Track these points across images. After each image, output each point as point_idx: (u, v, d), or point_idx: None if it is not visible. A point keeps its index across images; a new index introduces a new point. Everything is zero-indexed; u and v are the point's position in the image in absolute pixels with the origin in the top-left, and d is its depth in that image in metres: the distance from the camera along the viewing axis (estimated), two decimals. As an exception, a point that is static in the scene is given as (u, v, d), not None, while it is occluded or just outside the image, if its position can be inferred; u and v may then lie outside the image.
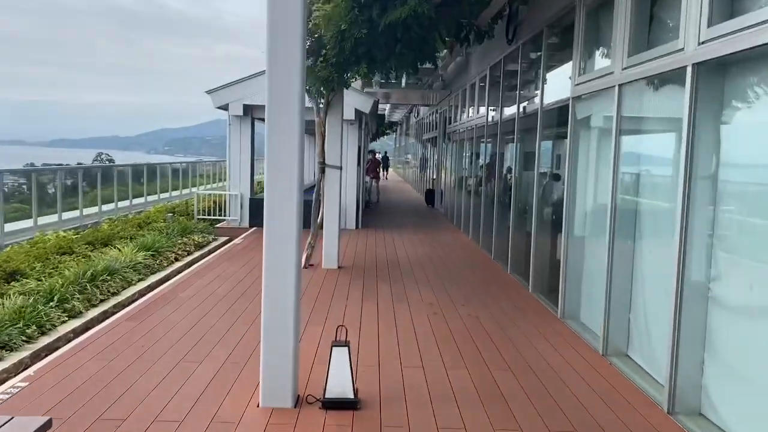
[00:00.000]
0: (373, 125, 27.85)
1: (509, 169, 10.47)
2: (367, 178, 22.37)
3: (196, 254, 11.33)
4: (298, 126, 4.25)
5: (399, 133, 49.45)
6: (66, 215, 13.14)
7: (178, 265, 10.27)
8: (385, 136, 56.33)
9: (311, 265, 9.42)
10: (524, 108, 9.26)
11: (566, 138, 6.97)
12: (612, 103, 5.60)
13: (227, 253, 10.64)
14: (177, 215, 14.06)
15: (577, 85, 6.54)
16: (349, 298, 7.58)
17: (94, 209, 14.38)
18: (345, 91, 12.71)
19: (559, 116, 7.51)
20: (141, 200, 17.49)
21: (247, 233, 13.20)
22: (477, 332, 6.30)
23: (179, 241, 11.38)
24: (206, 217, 14.42)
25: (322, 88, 8.87)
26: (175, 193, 20.22)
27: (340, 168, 9.36)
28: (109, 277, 8.18)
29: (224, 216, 14.29)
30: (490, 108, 11.76)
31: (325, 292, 7.86)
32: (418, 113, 29.00)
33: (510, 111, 10.43)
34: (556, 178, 7.96)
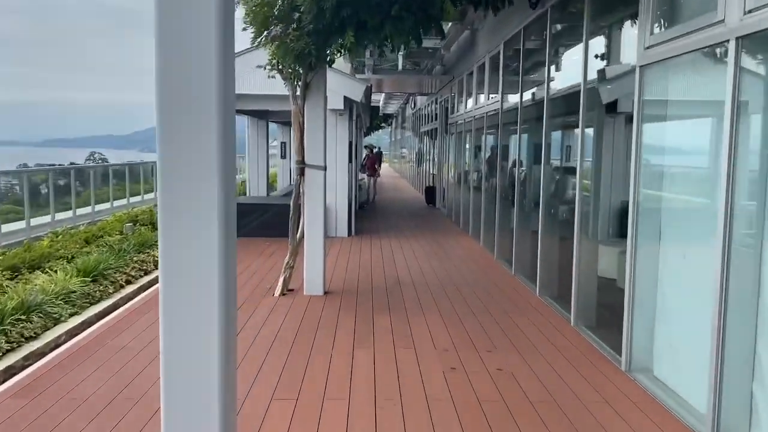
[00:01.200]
0: (367, 117, 25.92)
1: (534, 164, 8.59)
2: (364, 176, 20.45)
3: (155, 274, 9.42)
4: (217, 115, 2.37)
5: (394, 126, 47.51)
6: (60, 215, 12.90)
7: (128, 290, 8.37)
8: (380, 130, 54.46)
9: (290, 290, 7.53)
10: (550, 89, 7.37)
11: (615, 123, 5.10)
12: (721, 67, 3.72)
13: (191, 273, 8.74)
14: (139, 225, 12.13)
15: (650, 47, 4.64)
16: (335, 343, 5.68)
17: (88, 209, 14.30)
18: (329, 72, 10.75)
19: (614, 93, 5.63)
20: (121, 202, 16.07)
21: None
22: (516, 401, 4.42)
23: (135, 259, 9.47)
24: None
25: (296, 66, 6.96)
26: (149, 197, 18.25)
27: (324, 168, 7.45)
28: (24, 317, 6.28)
29: None
30: (504, 92, 9.86)
31: (304, 334, 5.96)
32: (414, 104, 27.08)
33: (533, 94, 8.53)
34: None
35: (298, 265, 7.59)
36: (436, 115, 19.72)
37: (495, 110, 10.36)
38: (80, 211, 13.92)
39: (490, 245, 10.61)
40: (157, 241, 8.88)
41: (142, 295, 7.79)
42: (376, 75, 16.30)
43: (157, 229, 9.55)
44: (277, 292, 7.35)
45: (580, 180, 7.00)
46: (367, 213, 16.83)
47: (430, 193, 19.30)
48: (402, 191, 25.81)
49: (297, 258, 7.56)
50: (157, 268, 9.74)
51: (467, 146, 13.81)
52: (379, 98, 31.72)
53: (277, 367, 5.02)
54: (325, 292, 7.50)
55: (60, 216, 12.72)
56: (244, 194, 18.64)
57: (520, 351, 5.49)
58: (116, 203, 16.32)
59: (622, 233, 6.59)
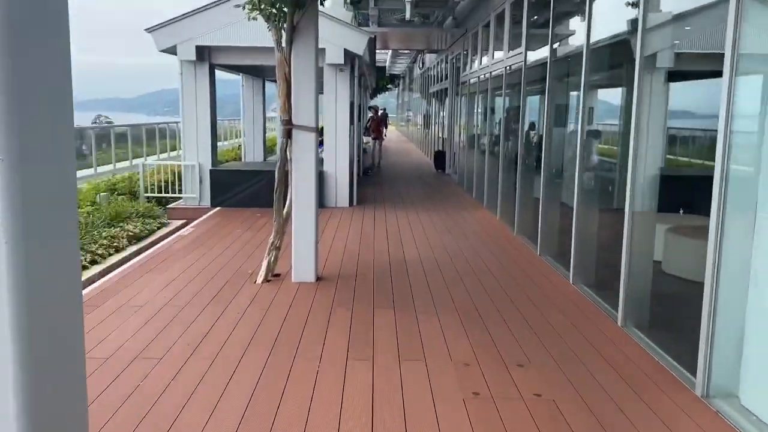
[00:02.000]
0: (372, 78, 24.45)
1: (564, 127, 7.30)
2: (368, 139, 19.11)
3: (127, 252, 8.24)
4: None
5: (401, 87, 45.82)
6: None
7: (90, 272, 7.19)
8: (386, 92, 52.71)
9: (276, 275, 6.34)
10: (590, 38, 6.02)
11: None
12: None
13: (166, 251, 7.55)
14: (115, 194, 10.93)
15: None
16: (324, 351, 4.50)
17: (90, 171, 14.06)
18: (328, 22, 9.40)
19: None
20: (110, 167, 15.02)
21: (206, 216, 10.10)
22: (564, 450, 3.24)
23: (106, 234, 8.29)
24: (157, 195, 11.29)
25: (280, 4, 5.63)
26: (138, 161, 16.96)
27: (316, 131, 6.16)
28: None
29: (181, 193, 11.15)
30: (529, 45, 8.48)
31: (287, 337, 4.77)
32: (423, 63, 25.50)
33: (567, 46, 7.17)
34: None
35: (286, 245, 6.38)
36: (446, 74, 18.25)
37: (517, 66, 8.99)
38: (82, 173, 13.65)
39: (508, 219, 9.36)
40: (133, 213, 7.62)
41: (108, 276, 6.62)
42: (381, 28, 14.81)
43: (137, 198, 8.11)
44: (260, 279, 6.16)
45: (622, 145, 5.74)
46: (372, 179, 15.56)
47: (439, 158, 17.98)
48: (409, 155, 24.46)
49: (284, 237, 6.34)
50: (131, 244, 8.56)
51: (481, 108, 12.44)
52: (385, 57, 30.11)
53: (246, 387, 3.85)
54: (318, 279, 6.30)
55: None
56: (238, 160, 17.41)
57: (560, 365, 4.29)
58: (119, 165, 15.84)
59: (661, 206, 5.41)
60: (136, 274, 6.41)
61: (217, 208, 10.57)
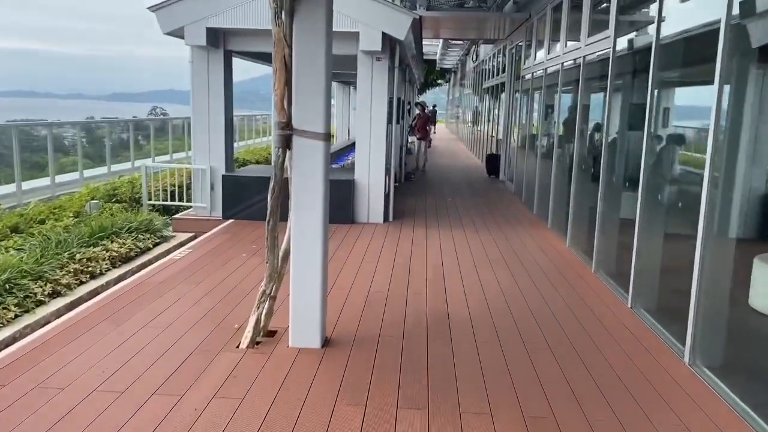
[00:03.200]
0: (420, 71, 22.58)
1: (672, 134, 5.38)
2: (413, 139, 17.27)
3: (102, 280, 6.67)
4: None
5: (452, 83, 43.74)
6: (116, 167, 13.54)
7: (32, 317, 5.58)
8: (437, 87, 50.69)
9: (270, 333, 4.63)
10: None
11: None
12: None
13: (144, 284, 5.92)
14: (113, 202, 9.44)
15: None
16: None
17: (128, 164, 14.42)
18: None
19: None
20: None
21: (214, 230, 8.49)
22: None
23: (81, 257, 6.74)
24: (162, 202, 9.76)
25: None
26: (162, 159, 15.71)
27: (327, 138, 4.38)
28: None
29: (189, 201, 9.57)
30: (620, 28, 6.51)
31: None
32: (476, 56, 23.47)
33: (679, 29, 5.22)
34: None
35: (283, 293, 4.65)
36: (503, 67, 16.24)
37: (601, 55, 7.03)
38: (91, 172, 13.64)
39: (583, 248, 7.42)
40: (126, 228, 5.84)
41: (59, 321, 5.04)
42: (431, 12, 12.92)
43: (141, 205, 5.96)
44: (245, 342, 4.44)
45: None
46: (414, 186, 13.73)
47: (492, 162, 15.99)
48: (458, 157, 22.49)
49: (283, 282, 4.62)
50: (114, 267, 7.02)
51: (547, 106, 10.46)
52: (435, 50, 28.19)
53: None
54: (325, 342, 4.55)
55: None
56: (258, 163, 15.97)
57: None
58: (176, 155, 16.57)
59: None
60: (79, 327, 4.78)
61: (230, 221, 8.96)
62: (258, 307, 4.47)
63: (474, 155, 22.65)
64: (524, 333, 4.93)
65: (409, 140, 19.22)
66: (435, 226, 9.15)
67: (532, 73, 11.50)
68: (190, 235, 9.02)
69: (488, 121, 19.44)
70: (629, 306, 5.60)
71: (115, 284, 6.45)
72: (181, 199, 9.63)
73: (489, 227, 9.19)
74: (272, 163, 4.46)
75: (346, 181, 9.03)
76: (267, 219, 4.44)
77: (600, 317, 5.38)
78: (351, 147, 18.99)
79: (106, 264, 6.88)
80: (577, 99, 8.19)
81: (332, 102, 18.85)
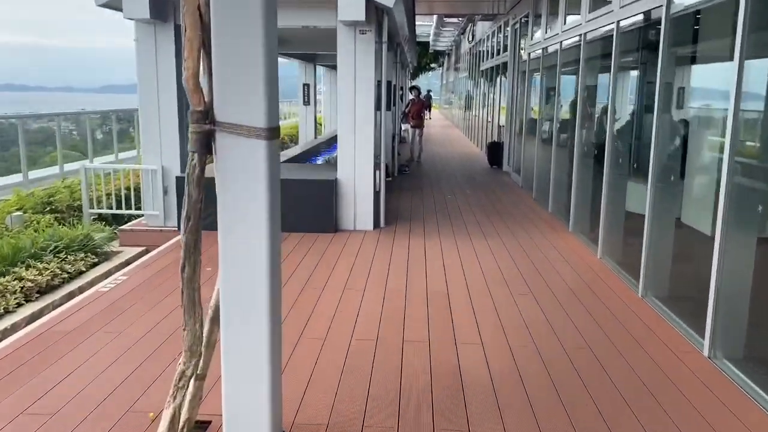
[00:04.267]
0: (413, 53, 20.97)
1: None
2: (407, 126, 15.70)
3: (10, 320, 5.12)
4: None
5: (446, 66, 42.06)
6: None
7: None
8: (430, 72, 49.00)
9: (200, 426, 3.11)
10: None
11: None
12: None
13: (46, 335, 4.39)
14: (44, 213, 7.84)
15: None
16: None
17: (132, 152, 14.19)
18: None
19: None
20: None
21: (164, 246, 6.96)
22: None
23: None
24: (109, 211, 8.16)
25: None
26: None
27: (269, 135, 2.83)
28: None
29: (139, 209, 7.99)
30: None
31: None
32: (473, 36, 21.85)
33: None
34: None
35: (213, 371, 3.12)
36: (504, 46, 14.67)
37: (627, 21, 5.49)
38: (123, 154, 14.02)
39: (620, 260, 5.93)
40: (52, 248, 4.28)
41: None
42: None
43: (81, 219, 4.08)
44: (156, 449, 2.92)
45: None
46: (408, 180, 12.20)
47: (494, 151, 14.44)
48: (454, 145, 20.92)
49: (210, 358, 3.09)
50: (31, 301, 5.48)
51: (564, 87, 8.92)
52: (428, 30, 26.56)
53: None
54: (281, 442, 3.03)
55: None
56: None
57: None
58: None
59: None
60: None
61: (187, 232, 7.40)
62: (174, 396, 2.93)
63: (472, 143, 21.09)
64: (571, 406, 3.42)
65: (402, 128, 17.65)
66: (435, 232, 7.62)
67: (543, 48, 9.94)
68: (140, 249, 7.49)
69: (487, 106, 17.87)
70: (706, 354, 4.11)
71: (26, 325, 4.93)
72: (133, 207, 8.04)
73: (499, 231, 7.67)
74: (187, 168, 2.93)
75: (327, 182, 7.48)
76: (181, 264, 2.90)
77: (665, 366, 3.88)
78: (321, 148, 17.43)
79: (12, 300, 5.33)
80: (609, 76, 6.64)
81: (312, 86, 17.24)
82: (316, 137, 17.98)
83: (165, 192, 7.69)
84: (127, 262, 6.92)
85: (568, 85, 8.69)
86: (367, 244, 6.96)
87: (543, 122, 10.20)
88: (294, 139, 20.70)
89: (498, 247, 6.90)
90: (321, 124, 22.80)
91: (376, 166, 7.79)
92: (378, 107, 7.73)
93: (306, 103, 17.30)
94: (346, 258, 6.38)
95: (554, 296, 5.31)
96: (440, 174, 13.31)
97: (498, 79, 15.80)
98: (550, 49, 9.42)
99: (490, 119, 17.04)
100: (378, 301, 5.10)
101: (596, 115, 7.24)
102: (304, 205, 7.42)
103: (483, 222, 8.26)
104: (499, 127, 15.01)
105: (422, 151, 15.76)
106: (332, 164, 10.03)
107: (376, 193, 7.78)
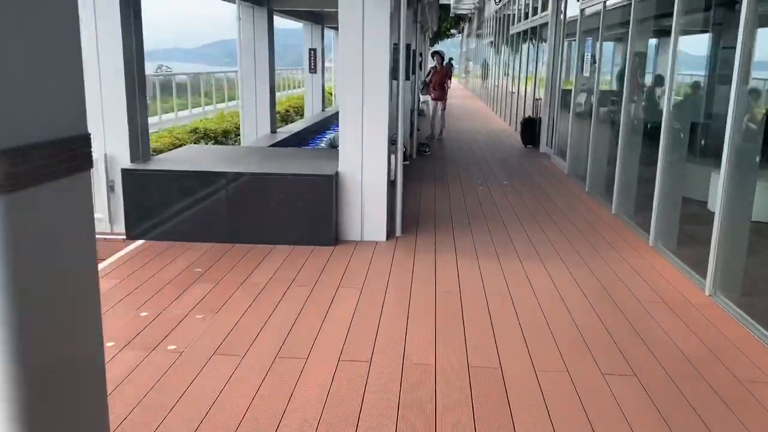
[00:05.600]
0: (434, 13, 18.78)
1: None
2: (428, 98, 13.62)
3: None
4: None
5: (466, 32, 39.55)
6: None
7: None
8: (449, 39, 46.46)
9: None
10: None
11: None
12: None
13: None
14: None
15: None
16: None
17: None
18: None
19: None
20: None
21: (112, 260, 5.08)
22: None
23: None
24: None
25: None
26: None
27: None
28: None
29: None
30: None
31: None
32: (500, -4, 19.54)
33: None
34: None
35: None
36: (541, 5, 12.51)
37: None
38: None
39: (747, 300, 3.97)
40: None
41: None
42: None
43: None
44: None
45: None
46: (430, 162, 10.22)
47: (529, 128, 12.36)
48: (479, 119, 18.80)
49: None
50: None
51: (636, 53, 6.86)
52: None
53: None
54: None
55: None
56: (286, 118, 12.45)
57: None
58: (180, 113, 16.63)
59: None
60: None
61: (138, 243, 5.53)
62: None
63: (498, 116, 18.96)
64: None
65: (421, 100, 15.56)
66: (469, 246, 5.68)
67: (604, 2, 7.83)
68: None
69: (518, 75, 15.71)
70: None
71: None
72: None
73: (557, 247, 5.71)
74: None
75: (323, 178, 5.53)
76: None
77: None
78: (332, 121, 15.45)
79: None
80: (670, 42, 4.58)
81: (318, 55, 15.20)
82: (323, 110, 16.00)
83: (111, 189, 5.80)
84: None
85: (639, 51, 6.62)
86: (377, 267, 5.04)
87: (603, 96, 8.12)
88: (300, 111, 18.74)
89: (562, 277, 4.95)
90: (331, 95, 20.76)
91: (392, 152, 5.83)
92: (396, 76, 5.73)
93: (312, 70, 15.24)
94: (347, 292, 4.46)
95: (669, 379, 3.37)
96: (466, 156, 11.29)
97: (533, 45, 13.64)
98: (611, 2, 7.33)
99: (516, 90, 14.90)
100: (392, 383, 3.20)
101: (698, 89, 5.22)
102: (294, 208, 5.51)
103: (531, 230, 6.29)
104: (535, 100, 12.90)
105: (444, 127, 13.70)
106: (328, 152, 8.16)
107: (392, 189, 5.83)
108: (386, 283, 4.67)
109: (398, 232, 5.90)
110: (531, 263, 5.21)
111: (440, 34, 36.78)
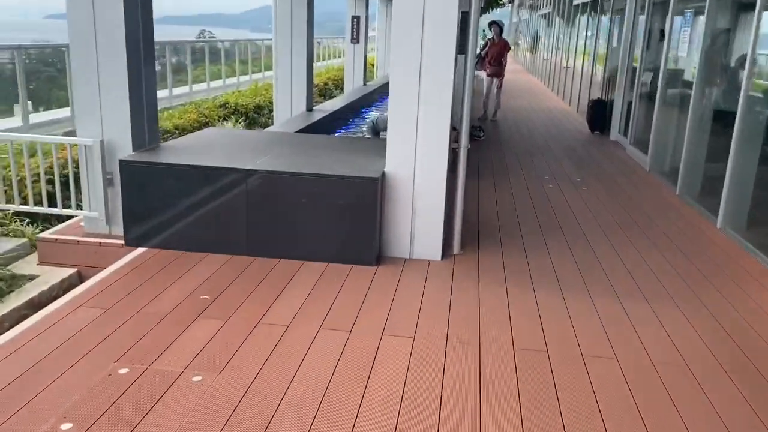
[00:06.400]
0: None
1: None
2: (483, 75, 12.28)
3: None
4: None
5: (517, 2, 37.52)
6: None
7: None
8: (498, 9, 44.27)
9: None
10: None
11: None
12: None
13: None
14: None
15: None
16: None
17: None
18: None
19: None
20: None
21: (112, 270, 4.08)
22: None
23: None
24: (17, 207, 5.19)
25: None
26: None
27: None
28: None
29: (71, 208, 5.04)
30: None
31: None
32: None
33: None
34: None
35: None
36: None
37: None
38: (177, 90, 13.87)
39: None
40: None
41: None
42: None
43: None
44: None
45: None
46: (485, 150, 8.98)
47: (598, 112, 10.95)
48: (535, 97, 17.32)
49: None
50: None
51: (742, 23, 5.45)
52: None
53: None
54: None
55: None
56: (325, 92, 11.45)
57: None
58: (213, 83, 15.71)
59: None
60: None
61: (137, 251, 4.51)
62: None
63: (557, 95, 17.45)
64: None
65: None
66: (547, 271, 4.50)
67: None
68: (69, 273, 4.67)
69: (579, 51, 14.19)
70: None
71: None
72: (59, 203, 5.12)
73: (660, 276, 4.48)
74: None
75: (366, 181, 4.37)
76: None
77: None
78: (374, 97, 14.23)
79: None
80: None
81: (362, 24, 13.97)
82: (365, 83, 14.81)
83: (109, 183, 4.77)
84: (45, 301, 4.13)
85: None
86: (433, 302, 3.91)
87: (706, 78, 6.72)
88: (339, 85, 17.57)
89: (676, 326, 3.74)
90: (374, 66, 19.50)
91: (453, 149, 4.65)
92: (463, 50, 4.53)
93: (354, 40, 14.02)
94: (395, 345, 3.34)
95: None
96: (526, 141, 9.99)
97: (603, 17, 12.14)
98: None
99: (571, 65, 13.40)
100: None
101: None
102: (328, 216, 4.40)
103: (622, 249, 5.05)
104: (605, 80, 11.44)
105: (499, 107, 12.36)
106: (367, 142, 7.08)
107: (451, 194, 4.66)
108: (446, 329, 3.54)
109: (456, 249, 4.75)
110: (633, 303, 4.00)
111: (491, 3, 34.88)
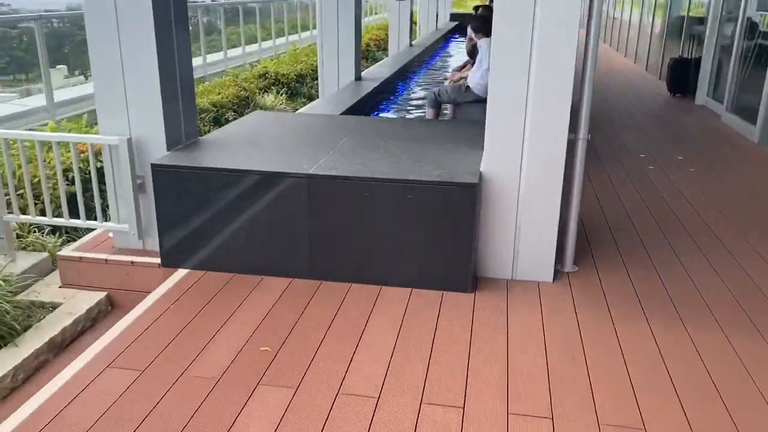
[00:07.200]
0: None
1: None
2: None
3: None
4: None
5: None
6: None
7: None
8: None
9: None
10: None
11: None
12: None
13: None
14: None
15: None
16: None
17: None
18: None
19: None
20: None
21: (155, 297, 3.27)
22: None
23: None
24: (33, 218, 4.36)
25: None
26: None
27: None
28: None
29: (96, 220, 4.20)
30: None
31: None
32: None
33: None
34: None
35: None
36: None
37: None
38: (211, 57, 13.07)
39: None
40: None
41: None
42: None
43: None
44: None
45: None
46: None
47: (681, 72, 9.68)
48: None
49: None
50: None
51: None
52: None
53: None
54: None
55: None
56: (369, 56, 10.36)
57: None
58: (249, 48, 14.75)
59: None
60: None
61: (178, 274, 3.68)
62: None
63: (618, 52, 16.01)
64: None
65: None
66: (692, 295, 3.53)
67: None
68: (97, 300, 3.88)
69: (652, 4, 12.76)
70: None
71: None
72: (82, 213, 4.28)
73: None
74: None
75: (459, 188, 3.39)
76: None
77: None
78: (422, 60, 13.12)
79: None
80: None
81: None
82: (411, 44, 13.68)
83: (140, 188, 3.91)
84: (69, 338, 3.36)
85: None
86: (560, 350, 2.98)
87: None
88: (382, 46, 16.41)
89: None
90: (416, 24, 18.25)
91: (573, 138, 3.65)
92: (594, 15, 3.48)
93: (399, -5, 12.83)
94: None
95: None
96: (603, 108, 8.85)
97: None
98: None
99: (651, 22, 12.01)
100: None
101: None
102: (411, 233, 3.47)
103: (740, 247, 4.04)
104: (689, 36, 10.12)
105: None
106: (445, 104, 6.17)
107: (568, 199, 3.68)
108: (591, 401, 2.62)
109: (568, 266, 3.79)
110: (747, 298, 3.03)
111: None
